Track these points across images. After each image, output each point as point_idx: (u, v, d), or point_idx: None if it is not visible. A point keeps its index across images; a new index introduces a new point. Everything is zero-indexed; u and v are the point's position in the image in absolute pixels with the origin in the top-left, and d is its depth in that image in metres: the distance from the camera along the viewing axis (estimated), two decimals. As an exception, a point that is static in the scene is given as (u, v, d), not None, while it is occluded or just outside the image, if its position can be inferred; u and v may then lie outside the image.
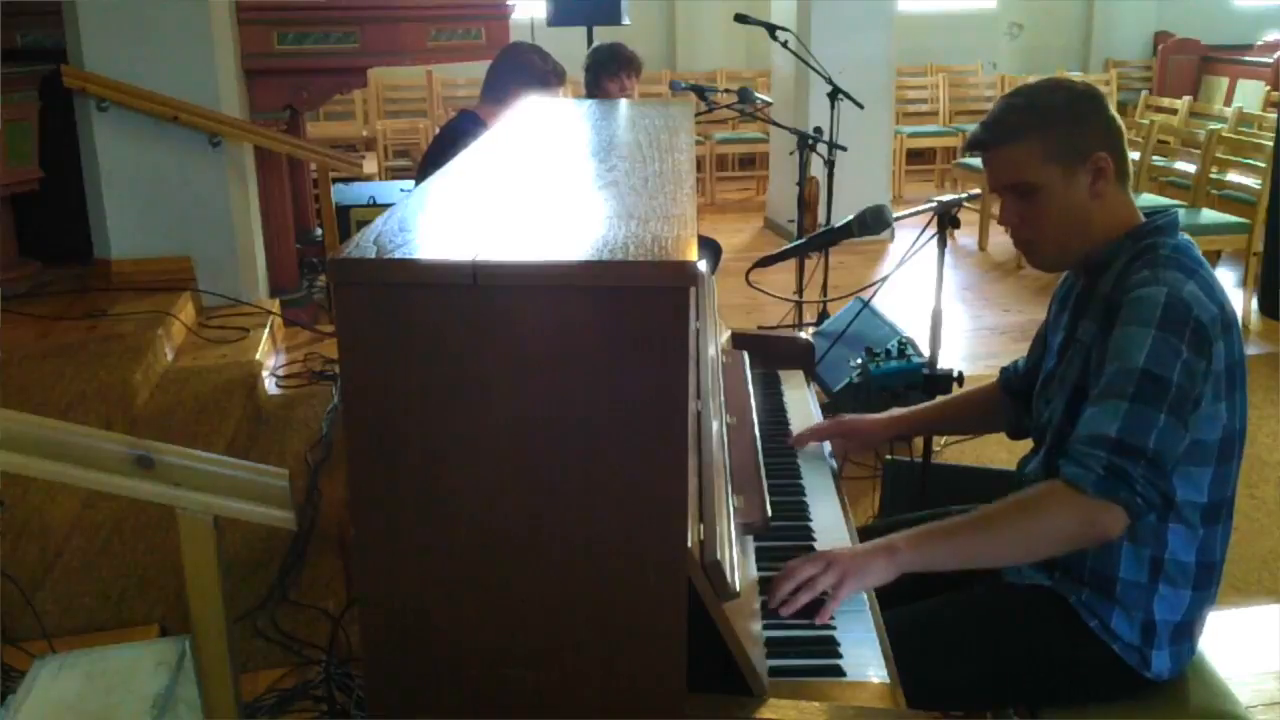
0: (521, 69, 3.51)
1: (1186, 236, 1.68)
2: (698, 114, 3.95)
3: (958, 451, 3.67)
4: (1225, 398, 1.56)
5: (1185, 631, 1.66)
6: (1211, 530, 1.63)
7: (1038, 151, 1.62)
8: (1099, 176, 1.62)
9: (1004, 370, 2.04)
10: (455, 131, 3.43)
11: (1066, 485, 1.49)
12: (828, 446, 2.07)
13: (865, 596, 1.56)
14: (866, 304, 3.97)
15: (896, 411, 2.12)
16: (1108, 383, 1.51)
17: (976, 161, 6.84)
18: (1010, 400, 2.00)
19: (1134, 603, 1.63)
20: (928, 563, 1.53)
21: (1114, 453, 1.46)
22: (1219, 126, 6.03)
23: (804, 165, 4.59)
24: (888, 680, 1.38)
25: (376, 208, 5.17)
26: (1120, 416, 1.47)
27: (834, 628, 1.48)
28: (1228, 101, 8.55)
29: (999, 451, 3.62)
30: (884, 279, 2.69)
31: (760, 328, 4.42)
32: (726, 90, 5.06)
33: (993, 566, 1.59)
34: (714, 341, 1.90)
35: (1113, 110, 1.67)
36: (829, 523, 1.79)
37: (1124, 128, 1.67)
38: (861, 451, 2.07)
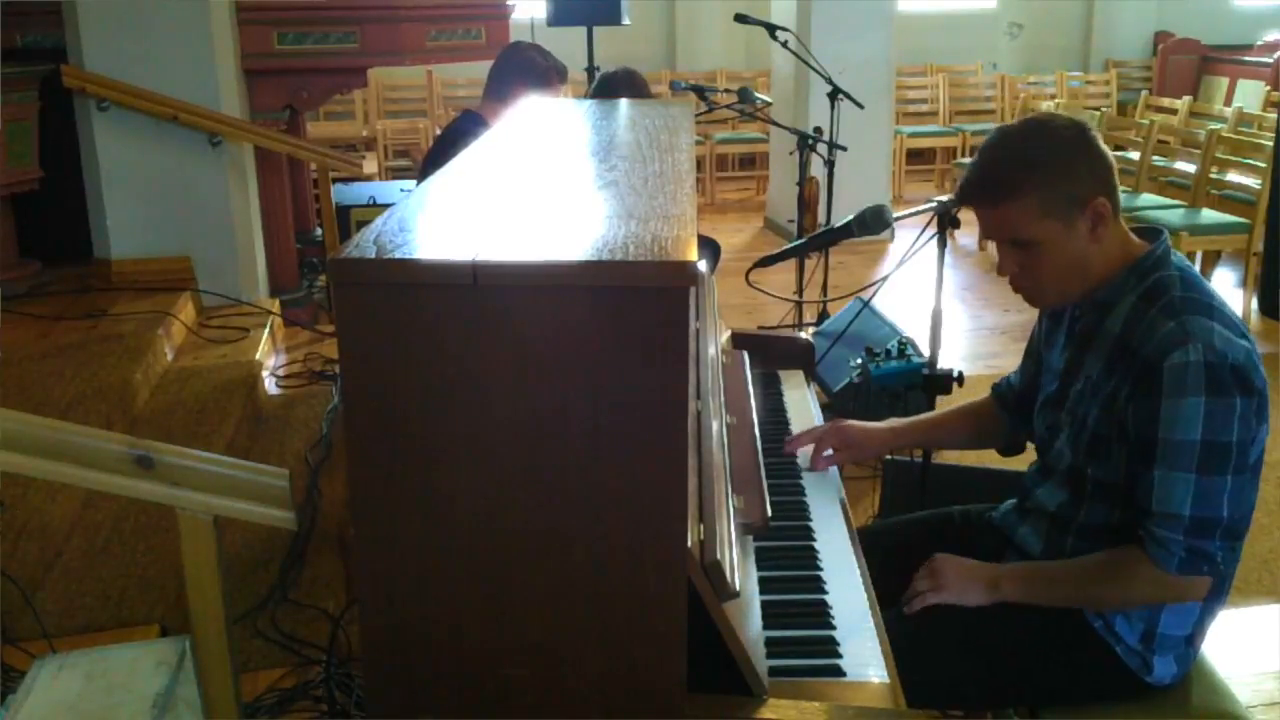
0: (522, 67, 3.51)
1: (1182, 257, 1.66)
2: (698, 114, 3.95)
3: (957, 452, 3.67)
4: (1262, 421, 1.56)
5: (1189, 641, 1.66)
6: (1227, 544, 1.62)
7: (1034, 208, 1.58)
8: (1099, 222, 1.59)
9: (996, 386, 2.02)
10: (457, 131, 3.43)
11: (1150, 561, 1.55)
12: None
13: (865, 597, 1.56)
14: (866, 304, 3.97)
15: (895, 423, 2.09)
16: (1170, 454, 1.51)
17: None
18: (1005, 415, 1.99)
19: (1138, 614, 1.63)
20: (1024, 599, 1.66)
21: (1191, 533, 1.52)
22: (1219, 126, 6.04)
23: (804, 165, 4.59)
24: (888, 680, 1.38)
25: (376, 208, 5.17)
26: (1190, 493, 1.51)
27: (834, 628, 1.48)
28: (1228, 101, 8.55)
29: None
30: (884, 279, 2.69)
31: (760, 328, 4.42)
32: (726, 90, 5.06)
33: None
34: (714, 341, 1.90)
35: (1100, 145, 1.62)
36: (829, 522, 1.78)
37: (1113, 161, 1.63)
38: (858, 462, 2.06)
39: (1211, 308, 1.56)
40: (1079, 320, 1.73)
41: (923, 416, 2.14)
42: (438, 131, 8.00)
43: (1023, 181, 1.58)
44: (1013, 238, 1.62)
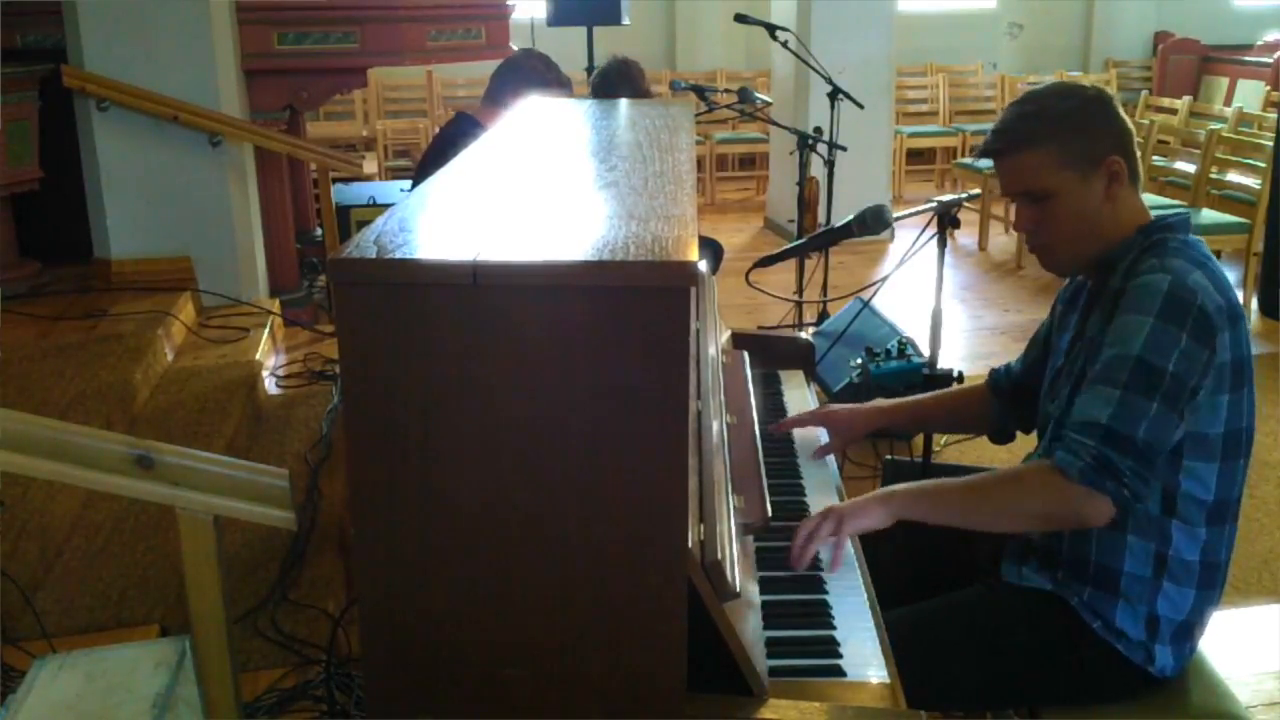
0: (521, 75, 3.50)
1: (1196, 237, 1.67)
2: (698, 114, 3.95)
3: (957, 451, 3.67)
4: (1230, 392, 1.56)
5: (1187, 631, 1.66)
6: (1217, 531, 1.63)
7: (1052, 158, 1.63)
8: (1114, 180, 1.63)
9: (994, 372, 2.03)
10: (452, 134, 3.44)
11: (1055, 469, 1.52)
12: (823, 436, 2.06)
13: (865, 596, 1.56)
14: (866, 304, 3.97)
15: (882, 403, 2.10)
16: (1103, 368, 1.52)
17: (976, 162, 6.85)
18: (998, 402, 2.00)
19: (1138, 596, 1.63)
20: (919, 514, 1.60)
21: (1103, 442, 1.49)
22: (1219, 126, 6.03)
23: (804, 165, 4.59)
24: (888, 680, 1.38)
25: (376, 208, 5.17)
26: (1113, 404, 1.50)
27: (834, 628, 1.48)
28: (1228, 101, 8.55)
29: (999, 451, 3.61)
30: (884, 279, 2.70)
31: (760, 328, 4.42)
32: (726, 90, 5.06)
33: (976, 529, 1.63)
34: (714, 341, 1.90)
35: (1122, 112, 1.68)
36: (829, 523, 1.78)
37: (1133, 129, 1.68)
38: (849, 445, 2.07)
39: (1203, 264, 1.58)
40: (1087, 289, 1.76)
41: (910, 398, 2.13)
42: (437, 132, 8.02)
43: (1043, 131, 1.63)
44: (1029, 188, 1.66)
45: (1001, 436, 2.01)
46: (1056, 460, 1.52)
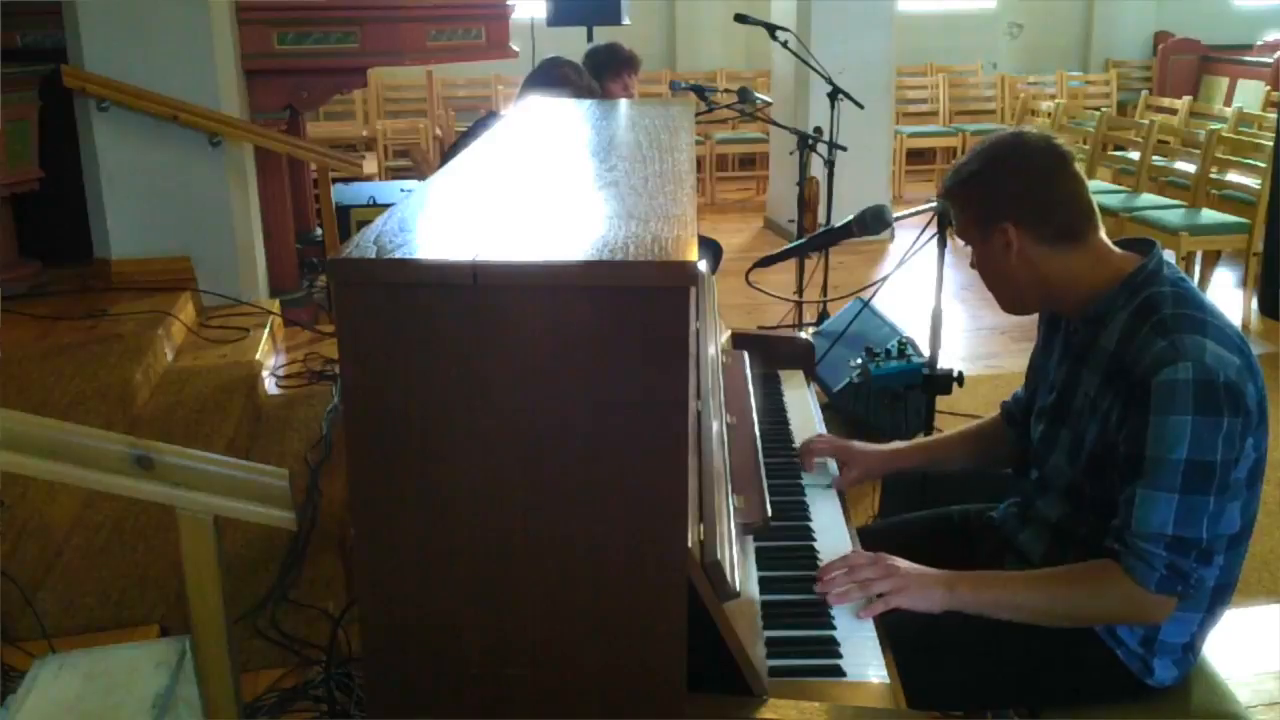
0: (551, 81, 3.50)
1: (1176, 269, 1.65)
2: (698, 114, 3.94)
3: (958, 451, 3.67)
4: (1254, 432, 1.55)
5: (1190, 647, 1.66)
6: (1234, 553, 1.63)
7: (959, 214, 1.72)
8: (1006, 248, 1.64)
9: (1004, 404, 2.00)
10: (467, 133, 3.44)
11: (1126, 576, 1.53)
12: (832, 464, 2.04)
13: (866, 597, 1.56)
14: (866, 304, 3.97)
15: (899, 445, 2.07)
16: (1156, 473, 1.51)
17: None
18: (1014, 433, 1.96)
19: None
20: (979, 607, 1.59)
21: (1173, 551, 1.51)
22: (1219, 126, 6.03)
23: (804, 165, 4.59)
24: (888, 680, 1.38)
25: (376, 208, 5.17)
26: (1174, 511, 1.50)
27: (834, 628, 1.48)
28: (1228, 101, 8.55)
29: (999, 451, 3.61)
30: (884, 279, 2.70)
31: (760, 328, 4.42)
32: (726, 90, 5.06)
33: (1037, 624, 1.61)
34: (714, 341, 1.90)
35: (1042, 171, 1.62)
36: (829, 523, 1.79)
37: (1054, 188, 1.62)
38: (860, 482, 2.04)
39: (1204, 323, 1.55)
40: (1075, 334, 1.73)
41: (926, 439, 2.14)
42: (437, 132, 8.03)
43: (953, 188, 1.71)
44: (959, 236, 1.76)
45: (1025, 468, 1.97)
46: (1129, 568, 1.53)
